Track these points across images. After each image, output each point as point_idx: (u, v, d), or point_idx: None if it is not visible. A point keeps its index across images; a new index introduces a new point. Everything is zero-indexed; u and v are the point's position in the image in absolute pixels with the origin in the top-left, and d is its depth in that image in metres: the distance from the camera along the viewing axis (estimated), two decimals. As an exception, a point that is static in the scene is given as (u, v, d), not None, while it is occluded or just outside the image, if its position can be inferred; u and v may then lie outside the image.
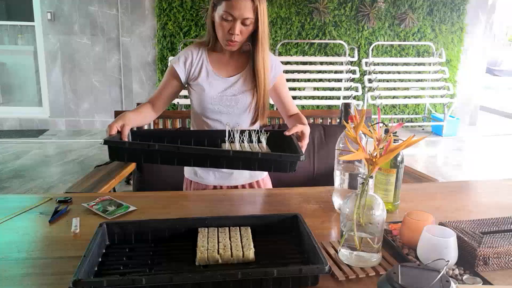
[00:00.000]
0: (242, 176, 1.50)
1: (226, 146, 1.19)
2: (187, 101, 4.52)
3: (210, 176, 1.48)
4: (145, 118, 1.40)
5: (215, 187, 1.49)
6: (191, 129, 1.54)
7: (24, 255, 0.93)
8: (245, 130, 1.22)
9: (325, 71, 5.40)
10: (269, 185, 1.58)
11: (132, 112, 1.30)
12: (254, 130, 1.22)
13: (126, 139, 1.18)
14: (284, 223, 1.02)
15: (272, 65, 1.43)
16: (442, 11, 5.62)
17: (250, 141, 1.21)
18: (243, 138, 1.19)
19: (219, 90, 1.39)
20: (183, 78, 1.40)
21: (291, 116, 1.46)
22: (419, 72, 5.61)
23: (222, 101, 1.39)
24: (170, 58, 5.13)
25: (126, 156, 1.11)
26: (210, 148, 1.10)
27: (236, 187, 1.49)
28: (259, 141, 1.22)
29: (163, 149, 1.07)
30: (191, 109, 1.49)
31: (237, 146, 1.17)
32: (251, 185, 1.52)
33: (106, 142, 1.05)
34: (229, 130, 1.21)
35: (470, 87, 6.02)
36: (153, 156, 1.08)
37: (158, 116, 1.54)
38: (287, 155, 1.10)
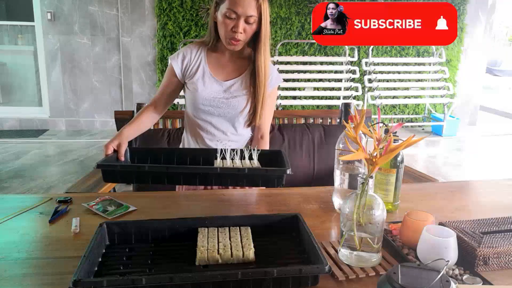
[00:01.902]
0: None
1: (218, 162, 1.20)
2: (182, 101, 4.52)
3: None
4: (145, 125, 1.43)
5: (205, 188, 1.48)
6: (185, 129, 1.54)
7: (24, 255, 0.92)
8: (235, 149, 1.24)
9: (325, 71, 5.40)
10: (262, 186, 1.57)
11: (129, 126, 1.33)
12: (247, 148, 1.23)
13: (122, 158, 1.23)
14: (284, 223, 1.02)
15: (271, 73, 1.42)
16: (442, 11, 5.61)
17: (242, 158, 1.22)
18: (234, 155, 1.21)
19: (213, 92, 1.39)
20: (179, 74, 1.40)
21: (259, 139, 1.47)
22: (419, 72, 5.61)
23: (214, 102, 1.39)
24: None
25: (119, 178, 1.16)
26: (197, 166, 1.13)
27: (227, 187, 1.49)
28: (250, 158, 1.23)
29: (153, 170, 1.12)
30: (185, 108, 1.50)
31: (228, 163, 1.19)
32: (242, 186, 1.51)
33: (99, 166, 1.10)
34: (221, 148, 1.24)
35: (470, 87, 6.02)
36: (144, 177, 1.13)
37: None
38: (273, 169, 1.13)
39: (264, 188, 1.54)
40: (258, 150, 1.24)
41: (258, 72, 1.36)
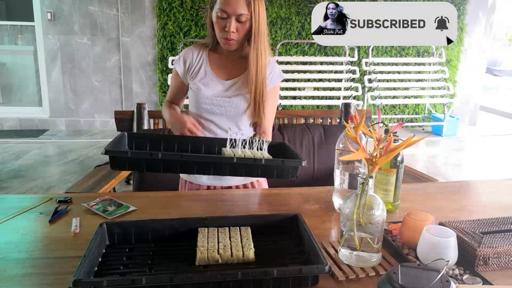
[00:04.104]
0: (236, 177, 1.47)
1: (228, 151, 1.17)
2: (187, 101, 4.51)
3: (203, 176, 1.47)
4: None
5: (208, 187, 1.48)
6: None
7: (24, 255, 0.93)
8: (245, 139, 1.22)
9: (325, 71, 5.40)
10: (265, 186, 1.56)
11: (176, 110, 1.43)
12: (256, 138, 1.22)
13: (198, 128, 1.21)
14: (284, 223, 1.02)
15: (271, 71, 1.42)
16: (442, 11, 5.61)
17: (251, 148, 1.21)
18: (244, 145, 1.19)
19: (215, 91, 1.39)
20: (182, 76, 1.44)
21: (261, 134, 1.46)
22: (419, 72, 5.61)
23: (216, 101, 1.39)
24: (171, 58, 5.13)
25: (128, 165, 1.11)
26: (213, 155, 1.09)
27: (230, 187, 1.49)
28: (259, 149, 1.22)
29: (166, 158, 1.06)
30: (189, 108, 1.50)
31: (239, 152, 1.16)
32: (245, 186, 1.51)
33: (107, 152, 1.05)
34: (230, 137, 1.20)
35: (470, 87, 6.02)
36: (156, 165, 1.08)
37: (157, 117, 1.55)
38: (289, 160, 1.11)
39: (265, 187, 1.54)
40: (267, 141, 1.23)
41: (249, 69, 1.35)
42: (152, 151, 1.23)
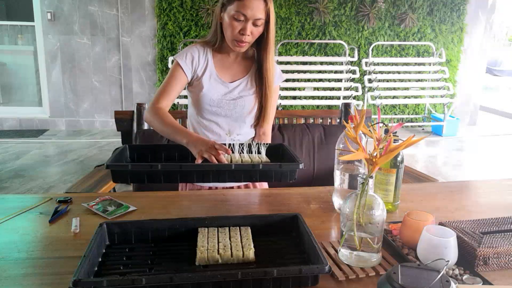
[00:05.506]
0: None
1: (226, 157, 1.18)
2: (187, 101, 4.51)
3: None
4: None
5: (210, 188, 1.48)
6: (187, 128, 1.53)
7: (24, 255, 0.93)
8: (243, 143, 1.23)
9: (325, 71, 5.40)
10: (265, 186, 1.57)
11: (181, 126, 1.28)
12: (254, 142, 1.23)
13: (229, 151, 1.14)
14: (284, 223, 1.02)
15: (275, 72, 1.43)
16: (442, 11, 5.62)
17: (249, 152, 1.21)
18: (242, 149, 1.20)
19: (220, 94, 1.39)
20: (189, 74, 1.38)
21: (261, 135, 1.47)
22: (419, 72, 5.61)
23: (221, 104, 1.39)
24: (171, 58, 5.12)
25: (129, 178, 1.13)
26: (211, 164, 1.10)
27: (231, 187, 1.49)
28: (258, 152, 1.23)
29: (166, 169, 1.09)
30: (188, 108, 1.49)
31: (236, 157, 1.18)
32: (246, 186, 1.51)
33: (108, 166, 1.07)
34: (229, 143, 1.22)
35: (470, 87, 6.02)
36: (156, 176, 1.10)
37: None
38: (287, 164, 1.13)
39: (265, 187, 1.55)
40: (266, 144, 1.23)
41: (267, 74, 1.37)
42: (153, 162, 1.26)
